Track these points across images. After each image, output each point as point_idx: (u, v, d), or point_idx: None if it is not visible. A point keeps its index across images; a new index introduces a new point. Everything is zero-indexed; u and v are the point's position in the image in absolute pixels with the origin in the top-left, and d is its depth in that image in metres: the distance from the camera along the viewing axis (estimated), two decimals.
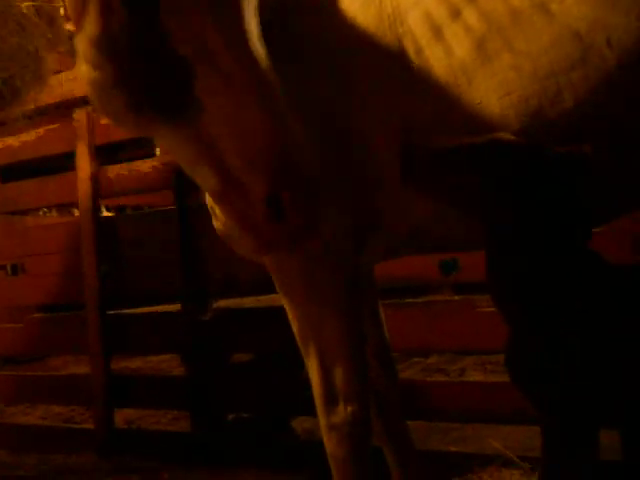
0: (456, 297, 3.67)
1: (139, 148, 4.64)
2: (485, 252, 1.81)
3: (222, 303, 4.04)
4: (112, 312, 4.34)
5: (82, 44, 1.66)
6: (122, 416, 4.68)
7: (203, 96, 1.49)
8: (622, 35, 1.86)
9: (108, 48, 1.59)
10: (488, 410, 3.22)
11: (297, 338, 2.12)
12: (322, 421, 2.08)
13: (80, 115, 4.31)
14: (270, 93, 1.49)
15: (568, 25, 1.91)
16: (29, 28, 3.88)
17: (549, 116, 1.90)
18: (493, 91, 1.95)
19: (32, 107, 4.02)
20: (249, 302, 4.13)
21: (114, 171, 4.28)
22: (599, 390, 1.68)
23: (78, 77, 4.25)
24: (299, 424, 3.96)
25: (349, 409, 2.03)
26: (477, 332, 3.16)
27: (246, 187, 1.44)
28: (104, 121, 4.26)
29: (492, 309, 3.03)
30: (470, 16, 2.02)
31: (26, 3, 3.92)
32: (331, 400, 2.05)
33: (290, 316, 2.12)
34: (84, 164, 4.26)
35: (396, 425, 2.52)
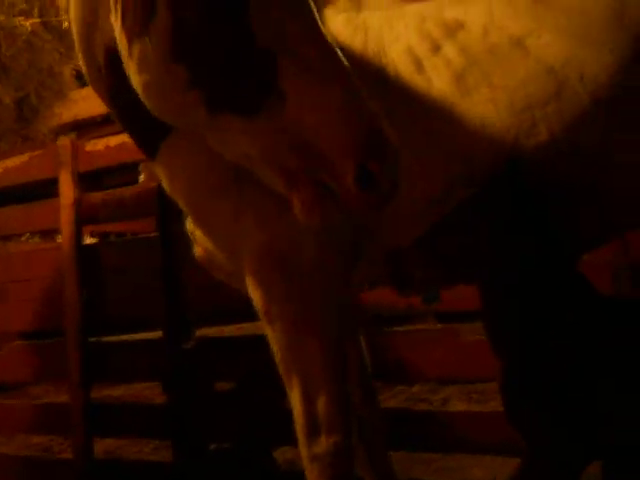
0: (439, 325, 3.67)
1: (123, 175, 4.64)
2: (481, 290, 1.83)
3: (205, 331, 4.01)
4: (93, 339, 4.30)
5: (145, 48, 1.64)
6: (102, 446, 4.59)
7: (285, 86, 1.52)
8: (595, 70, 1.93)
9: (182, 48, 1.59)
10: (472, 440, 3.20)
11: (279, 367, 2.10)
12: (304, 452, 2.06)
13: (64, 142, 4.31)
14: (347, 74, 1.54)
15: (543, 61, 1.98)
16: (39, 45, 3.88)
17: (525, 148, 1.94)
18: (472, 123, 2.00)
19: (56, 124, 4.00)
20: (232, 330, 4.11)
21: (97, 198, 4.26)
22: (592, 421, 1.68)
23: (63, 103, 4.27)
24: (281, 454, 3.91)
25: (331, 440, 2.01)
26: (461, 361, 3.16)
27: (331, 164, 1.50)
28: (88, 148, 4.27)
29: (475, 338, 3.06)
30: (450, 51, 2.09)
31: (31, 20, 3.93)
32: (313, 430, 2.03)
33: (273, 344, 2.11)
34: (67, 191, 4.24)
35: (379, 455, 2.51)
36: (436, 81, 2.06)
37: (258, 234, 2.04)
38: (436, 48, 2.11)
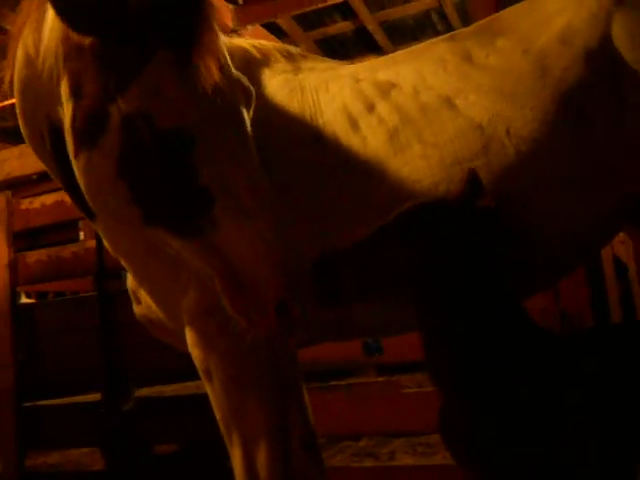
0: (380, 379, 3.67)
1: (60, 233, 4.56)
2: (418, 324, 1.84)
3: (144, 391, 3.92)
4: (28, 404, 4.15)
5: (91, 158, 1.74)
6: None
7: (219, 217, 1.66)
8: (520, 126, 2.03)
9: (128, 169, 1.70)
10: None
11: (220, 424, 2.08)
12: None
13: None
14: (274, 210, 1.67)
15: (471, 118, 2.08)
16: None
17: None
18: (406, 178, 2.06)
19: None
20: (173, 389, 4.02)
21: (33, 257, 4.16)
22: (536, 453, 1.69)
23: None
24: None
25: None
26: (404, 414, 3.16)
27: (254, 287, 1.64)
28: (24, 206, 4.19)
29: (417, 390, 3.07)
30: (384, 109, 2.17)
31: None
32: None
33: (213, 403, 2.08)
34: (1, 251, 4.14)
35: None
36: (371, 139, 2.13)
37: (196, 291, 2.04)
38: (370, 107, 2.18)
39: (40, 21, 1.90)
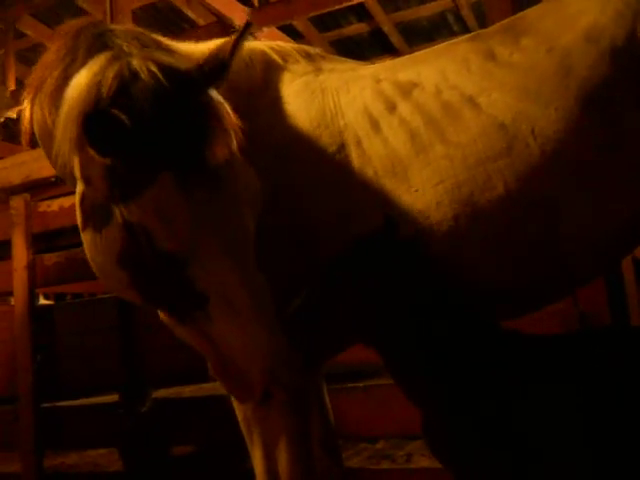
0: None
1: (78, 234, 4.56)
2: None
3: (162, 393, 3.94)
4: (47, 405, 4.17)
5: (95, 241, 1.82)
6: None
7: (213, 312, 1.73)
8: (544, 125, 1.99)
9: (128, 264, 1.77)
10: None
11: (241, 426, 2.08)
12: None
13: (17, 202, 4.24)
14: (265, 311, 1.72)
15: (494, 117, 2.04)
16: None
17: (480, 202, 1.98)
18: (428, 179, 2.04)
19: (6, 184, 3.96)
20: (191, 390, 4.03)
21: (51, 260, 4.18)
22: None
23: (15, 164, 4.22)
24: None
25: None
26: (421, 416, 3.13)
27: (241, 377, 1.75)
28: (42, 208, 4.21)
29: None
30: (405, 110, 2.14)
31: None
32: None
33: (235, 404, 2.08)
34: (20, 253, 4.17)
35: None
36: (392, 140, 2.11)
37: None
38: (392, 107, 2.16)
39: (60, 88, 1.94)
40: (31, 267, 4.15)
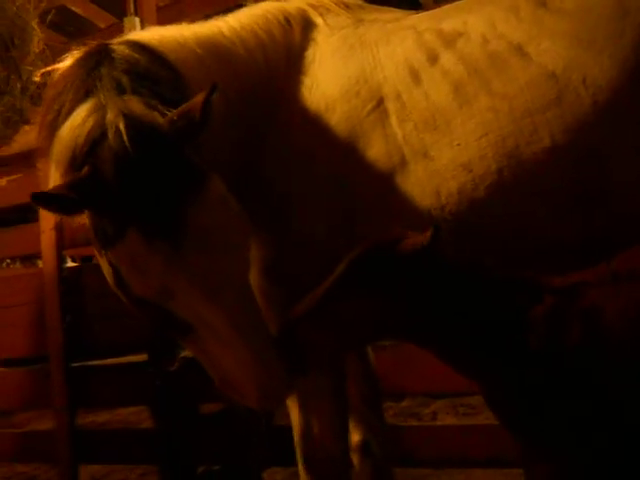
0: None
1: None
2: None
3: (187, 353, 3.96)
4: (77, 364, 4.24)
5: (105, 264, 1.88)
6: (89, 472, 4.54)
7: (200, 336, 1.79)
8: (597, 74, 1.90)
9: (120, 288, 1.85)
10: (461, 454, 3.18)
11: None
12: (300, 461, 2.07)
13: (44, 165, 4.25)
14: (252, 332, 1.76)
15: (544, 66, 1.96)
16: None
17: (525, 155, 1.93)
18: (471, 132, 1.98)
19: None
20: None
21: (79, 221, 4.19)
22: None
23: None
24: (271, 476, 3.86)
25: (328, 450, 2.03)
26: (448, 374, 3.13)
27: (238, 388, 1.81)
28: None
29: None
30: (448, 61, 2.07)
31: None
32: (310, 441, 2.04)
33: None
34: (48, 215, 4.18)
35: (384, 470, 2.47)
36: (433, 92, 2.05)
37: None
38: (434, 59, 2.10)
39: (64, 115, 1.97)
40: (58, 228, 4.18)
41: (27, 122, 4.37)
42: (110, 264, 1.81)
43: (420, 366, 3.26)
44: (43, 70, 4.39)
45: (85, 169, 1.75)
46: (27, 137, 4.24)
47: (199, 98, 1.79)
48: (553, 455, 1.73)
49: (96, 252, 1.93)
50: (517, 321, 1.71)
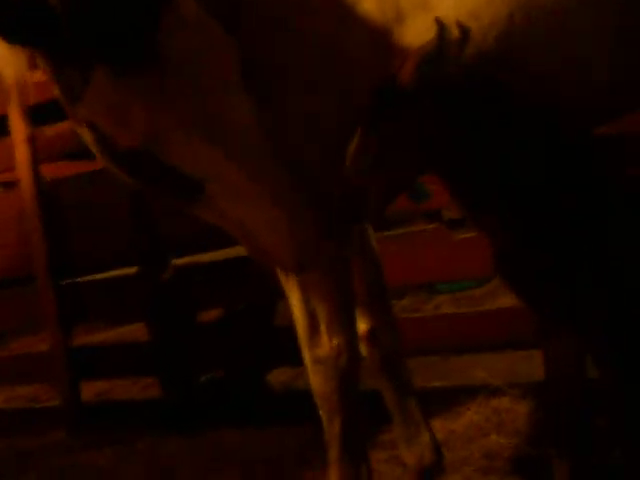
0: (431, 226, 3.51)
1: None
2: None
3: (180, 262, 3.83)
4: (67, 281, 4.09)
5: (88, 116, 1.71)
6: (92, 389, 4.51)
7: (215, 197, 1.68)
8: None
9: (111, 159, 1.73)
10: (468, 340, 3.14)
11: (277, 270, 1.98)
12: (306, 356, 1.98)
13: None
14: (279, 188, 1.63)
15: None
16: None
17: None
18: None
19: None
20: (208, 258, 3.90)
21: (53, 130, 3.97)
22: None
23: None
24: (275, 377, 3.80)
25: (334, 341, 1.93)
26: (455, 261, 3.03)
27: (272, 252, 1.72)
28: (37, 78, 3.95)
29: (470, 236, 2.91)
30: None
31: None
32: (314, 332, 1.94)
33: None
34: (19, 125, 3.94)
35: (395, 361, 2.38)
36: None
37: None
38: None
39: None
40: (32, 139, 3.93)
41: None
42: (87, 124, 1.66)
43: (427, 254, 3.15)
44: None
45: None
46: None
47: None
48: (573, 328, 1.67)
49: (71, 118, 1.78)
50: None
